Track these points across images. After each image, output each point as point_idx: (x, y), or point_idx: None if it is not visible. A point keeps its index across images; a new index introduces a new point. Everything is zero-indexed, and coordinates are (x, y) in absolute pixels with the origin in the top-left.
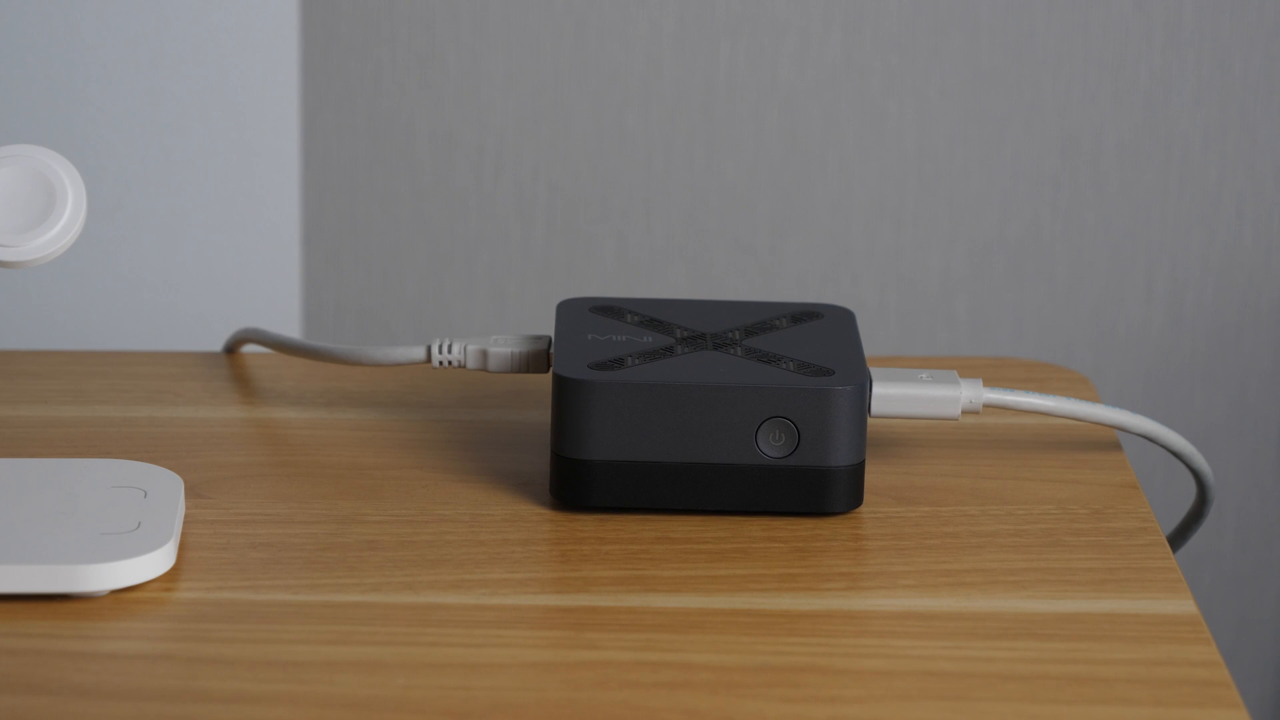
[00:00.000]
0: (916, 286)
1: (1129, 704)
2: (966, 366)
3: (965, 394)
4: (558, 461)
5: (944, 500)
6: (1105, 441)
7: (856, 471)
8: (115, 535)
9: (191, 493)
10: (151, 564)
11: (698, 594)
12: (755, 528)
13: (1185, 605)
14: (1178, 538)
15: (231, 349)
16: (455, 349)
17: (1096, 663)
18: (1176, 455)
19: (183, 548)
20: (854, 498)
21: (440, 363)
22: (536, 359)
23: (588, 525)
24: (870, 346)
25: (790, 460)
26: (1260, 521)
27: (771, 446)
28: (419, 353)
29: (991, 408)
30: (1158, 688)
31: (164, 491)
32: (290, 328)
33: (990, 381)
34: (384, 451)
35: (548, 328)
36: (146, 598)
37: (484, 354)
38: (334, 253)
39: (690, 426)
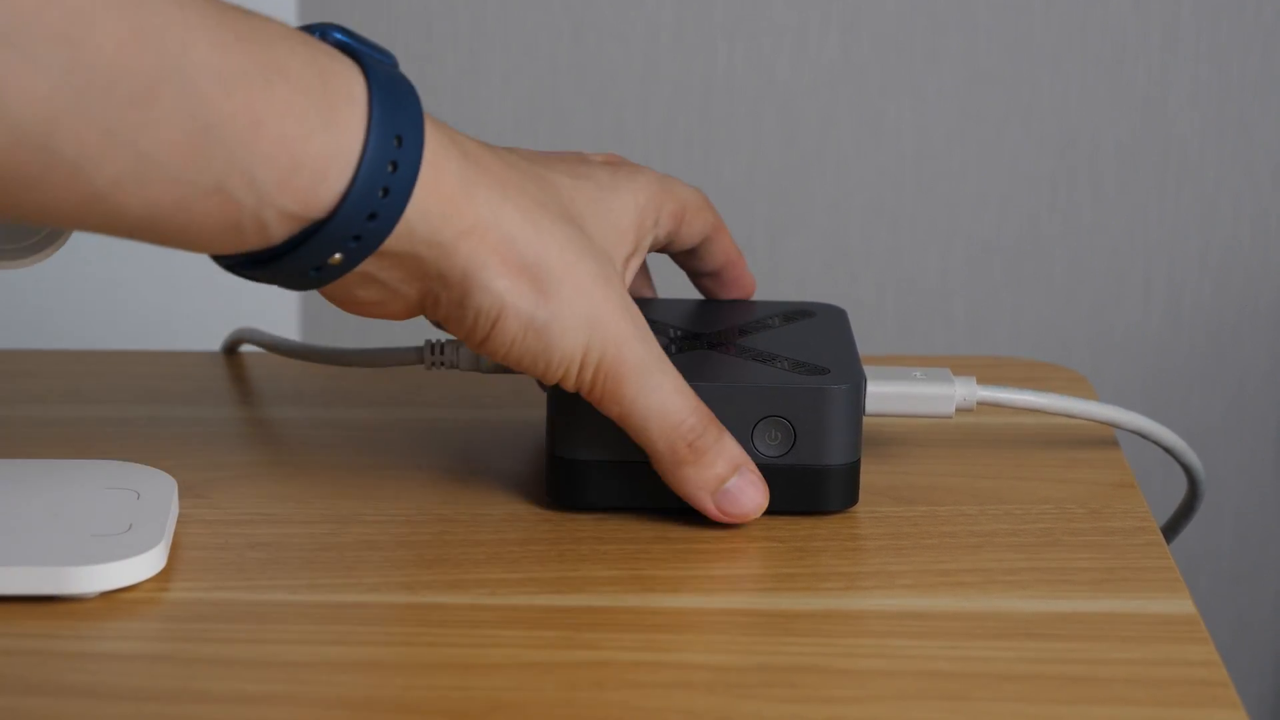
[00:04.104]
0: (914, 287)
1: (1127, 704)
2: (964, 366)
3: (959, 392)
4: (553, 462)
5: (942, 500)
6: (1103, 441)
7: (852, 470)
8: (106, 537)
9: (189, 492)
10: (142, 566)
11: (696, 594)
12: (753, 528)
13: (1183, 605)
14: (1168, 532)
15: (230, 349)
16: (448, 350)
17: (1094, 662)
18: (1168, 451)
19: (181, 548)
20: (849, 496)
21: (432, 364)
22: None
23: (586, 525)
24: (868, 347)
25: (786, 459)
26: (1258, 521)
27: (768, 445)
28: (411, 355)
29: (986, 405)
30: (1155, 687)
31: (157, 493)
32: (288, 329)
33: (987, 381)
34: (382, 451)
35: None
36: (144, 599)
37: (477, 358)
38: None
39: None
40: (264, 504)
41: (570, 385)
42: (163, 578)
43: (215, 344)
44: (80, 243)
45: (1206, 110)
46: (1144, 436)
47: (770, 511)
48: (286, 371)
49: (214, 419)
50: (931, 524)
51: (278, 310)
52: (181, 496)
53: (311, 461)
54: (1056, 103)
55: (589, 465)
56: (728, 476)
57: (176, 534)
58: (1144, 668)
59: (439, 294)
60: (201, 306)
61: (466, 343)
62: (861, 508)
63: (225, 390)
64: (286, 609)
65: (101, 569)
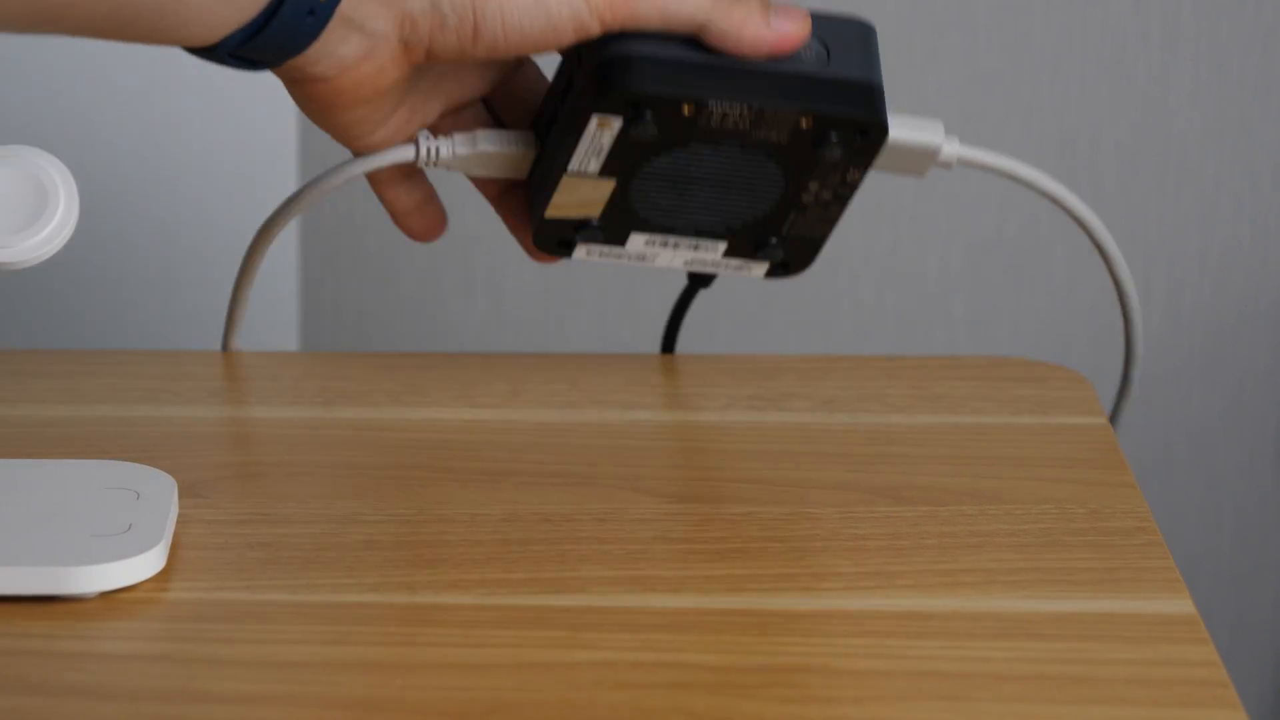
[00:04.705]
0: (914, 286)
1: (1127, 704)
2: (964, 365)
3: (947, 139)
4: (600, 65)
5: (942, 500)
6: (1103, 441)
7: (880, 94)
8: (106, 537)
9: (189, 492)
10: (141, 566)
11: (696, 594)
12: (753, 527)
13: (1183, 605)
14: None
15: (239, 286)
16: (443, 145)
17: (1094, 663)
18: (1093, 239)
19: (180, 548)
20: (879, 111)
21: (429, 151)
22: (529, 140)
23: (586, 525)
24: (868, 346)
25: (824, 71)
26: (1258, 522)
27: (806, 58)
28: (408, 152)
29: (965, 163)
30: (1155, 688)
31: (157, 493)
32: (288, 328)
33: (989, 382)
34: (382, 451)
35: (549, 329)
36: (144, 599)
37: (474, 137)
38: (332, 253)
39: None
40: (263, 504)
41: (592, 24)
42: (162, 578)
43: (215, 343)
44: (80, 243)
45: (1206, 110)
46: (1076, 220)
47: (811, 111)
48: (286, 371)
49: (213, 418)
50: (931, 524)
51: (277, 311)
52: (181, 496)
53: (311, 461)
54: (1056, 103)
55: (639, 58)
56: (769, 7)
57: (176, 534)
58: (1144, 668)
59: (413, 10)
60: (201, 306)
61: (461, 54)
62: (861, 508)
63: (225, 390)
64: (286, 609)
65: (101, 569)
